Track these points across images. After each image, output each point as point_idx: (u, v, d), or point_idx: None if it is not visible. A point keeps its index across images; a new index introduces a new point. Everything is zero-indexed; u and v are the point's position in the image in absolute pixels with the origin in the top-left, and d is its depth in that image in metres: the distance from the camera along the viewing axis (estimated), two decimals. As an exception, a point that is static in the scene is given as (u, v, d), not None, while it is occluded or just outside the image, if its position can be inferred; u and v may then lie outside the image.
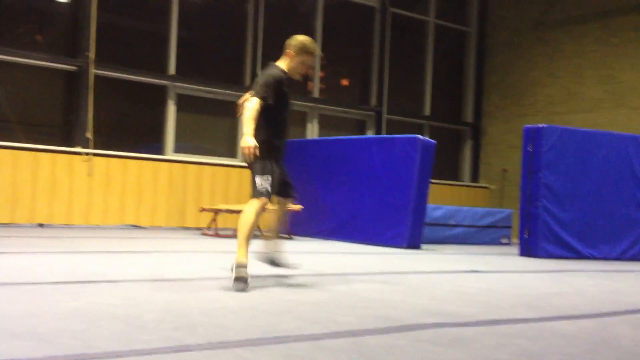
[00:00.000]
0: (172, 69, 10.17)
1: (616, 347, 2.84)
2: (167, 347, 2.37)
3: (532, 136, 7.86)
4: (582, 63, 11.89)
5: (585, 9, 11.86)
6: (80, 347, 2.32)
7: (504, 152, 12.80)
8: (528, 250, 7.79)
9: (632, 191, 8.26)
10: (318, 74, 11.79)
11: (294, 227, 9.14)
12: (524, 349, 2.66)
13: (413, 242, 8.13)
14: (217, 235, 8.40)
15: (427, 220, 8.84)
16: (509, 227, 10.39)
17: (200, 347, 2.40)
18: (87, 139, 9.13)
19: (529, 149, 7.87)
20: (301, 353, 2.40)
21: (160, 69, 10.15)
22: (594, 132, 8.43)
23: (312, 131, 11.67)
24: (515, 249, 8.44)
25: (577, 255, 7.83)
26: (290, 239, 8.65)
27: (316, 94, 11.74)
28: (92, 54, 9.25)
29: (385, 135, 11.18)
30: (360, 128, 12.36)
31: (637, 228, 8.26)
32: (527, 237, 7.81)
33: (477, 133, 13.49)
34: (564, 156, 7.88)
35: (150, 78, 10.03)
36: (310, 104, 11.66)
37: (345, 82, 13.15)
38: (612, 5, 11.48)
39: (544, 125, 7.95)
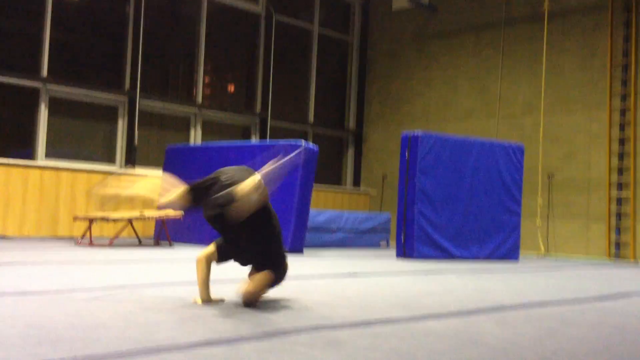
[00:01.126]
0: (44, 70, 9.68)
1: (481, 344, 3.00)
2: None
3: (409, 143, 8.17)
4: (457, 74, 12.50)
5: (460, 24, 12.48)
6: None
7: (385, 158, 13.20)
8: (404, 252, 8.07)
9: (500, 196, 8.77)
10: (202, 78, 11.63)
11: (175, 234, 8.95)
12: (395, 348, 2.75)
13: (295, 247, 8.20)
14: (91, 244, 8.07)
15: (310, 224, 8.94)
16: (388, 230, 10.73)
17: None
18: (-51, 143, 8.50)
19: (406, 155, 8.17)
20: (173, 363, 2.35)
21: (32, 70, 9.63)
22: (466, 139, 8.88)
23: (195, 137, 11.49)
24: (393, 252, 8.72)
25: (450, 256, 8.21)
26: (171, 245, 8.47)
27: (200, 99, 11.58)
28: (-46, 52, 8.63)
29: (269, 141, 11.20)
30: (245, 134, 12.32)
31: (504, 230, 8.79)
32: (403, 240, 8.10)
33: (359, 140, 13.83)
34: (438, 162, 8.25)
35: (22, 79, 9.49)
36: (194, 109, 11.48)
37: (230, 88, 13.07)
38: (484, 19, 12.16)
39: (420, 132, 8.28)
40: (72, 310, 3.36)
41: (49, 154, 9.70)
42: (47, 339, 2.64)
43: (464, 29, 12.43)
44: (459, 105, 12.39)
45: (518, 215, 8.91)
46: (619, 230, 10.34)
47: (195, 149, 10.43)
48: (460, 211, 8.41)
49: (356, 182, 13.78)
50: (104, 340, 2.67)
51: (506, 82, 11.85)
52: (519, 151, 9.02)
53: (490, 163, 8.70)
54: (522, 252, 9.43)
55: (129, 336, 2.78)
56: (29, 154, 9.57)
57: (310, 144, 8.62)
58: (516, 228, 8.88)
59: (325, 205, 11.85)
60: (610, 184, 10.48)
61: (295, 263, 7.43)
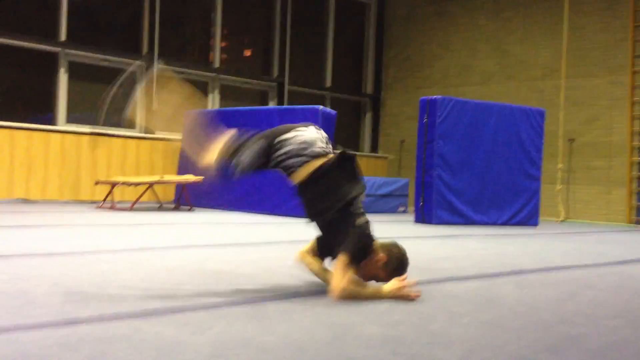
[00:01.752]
0: (63, 35, 9.69)
1: (500, 305, 3.02)
2: (57, 321, 2.30)
3: (428, 107, 8.11)
4: (475, 37, 12.32)
5: (479, -15, 12.25)
6: (-38, 324, 2.21)
7: (402, 123, 13.13)
8: (423, 217, 8.08)
9: (519, 160, 8.71)
10: (219, 43, 11.58)
11: (195, 198, 9.02)
12: (415, 310, 2.78)
13: (314, 212, 8.22)
14: (113, 208, 8.17)
15: (328, 190, 8.96)
16: (406, 195, 10.72)
17: (91, 320, 2.35)
18: (-30, 108, 8.59)
19: (424, 119, 8.12)
20: (198, 321, 2.40)
21: (50, 34, 9.65)
22: (485, 103, 8.79)
23: (213, 102, 11.50)
24: (411, 217, 8.73)
25: (469, 221, 8.21)
26: (191, 210, 8.55)
27: (217, 64, 11.55)
28: (-27, 18, 8.66)
29: (287, 106, 11.18)
30: (263, 99, 12.29)
31: (524, 195, 8.75)
32: (422, 204, 8.10)
33: (376, 104, 13.75)
34: (457, 127, 8.19)
35: (40, 44, 9.52)
36: (211, 74, 11.46)
37: (247, 52, 12.99)
38: (504, -19, 11.92)
39: (439, 96, 8.21)
40: (97, 271, 3.43)
41: (68, 119, 9.77)
42: (73, 298, 2.70)
43: (484, -9, 12.20)
44: (478, 69, 12.24)
45: (538, 180, 8.86)
46: None
47: (213, 114, 10.44)
48: (479, 176, 8.38)
49: (374, 147, 13.75)
50: (129, 299, 2.73)
51: (526, 45, 11.67)
52: (539, 115, 8.92)
53: (510, 127, 8.63)
54: (542, 218, 9.40)
55: (154, 296, 2.84)
56: (50, 118, 9.64)
57: (328, 109, 8.59)
58: (536, 193, 8.83)
59: (343, 170, 11.83)
60: (632, 149, 10.36)
61: (311, 229, 7.46)
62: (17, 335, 2.11)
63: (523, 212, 8.73)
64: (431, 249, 5.42)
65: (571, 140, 10.86)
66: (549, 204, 10.56)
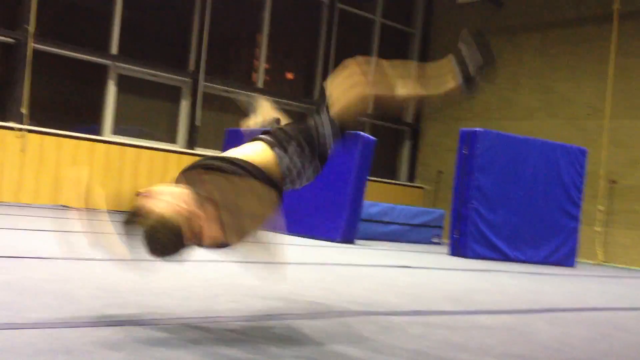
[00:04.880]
0: (114, 48, 9.99)
1: (531, 340, 3.01)
2: (97, 322, 2.38)
3: (468, 139, 8.11)
4: (519, 71, 12.30)
5: (526, 19, 12.26)
6: (9, 317, 2.31)
7: (441, 154, 13.11)
8: (457, 249, 8.03)
9: (559, 199, 8.62)
10: (263, 65, 11.79)
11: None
12: (445, 338, 2.79)
13: (348, 237, 8.26)
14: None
15: (363, 216, 8.99)
16: (441, 227, 10.67)
17: (130, 323, 2.42)
18: (22, 114, 8.88)
19: (463, 151, 8.12)
20: (233, 335, 2.45)
21: (102, 47, 9.95)
22: (526, 139, 8.75)
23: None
24: (445, 249, 8.69)
25: (504, 257, 8.13)
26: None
27: (260, 84, 11.75)
28: (31, 28, 8.99)
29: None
30: (303, 121, 12.43)
31: (562, 235, 8.64)
32: (457, 237, 8.06)
33: (415, 134, 13.77)
34: (496, 160, 8.17)
35: (92, 56, 9.82)
36: (254, 94, 11.65)
37: (290, 75, 13.18)
38: (552, 17, 11.91)
39: (479, 129, 8.21)
40: (138, 277, 3.51)
41: (114, 130, 10.02)
42: (114, 302, 2.79)
43: (530, 26, 12.20)
44: (520, 104, 12.20)
45: (577, 220, 8.75)
46: (680, 242, 10.04)
47: (256, 133, 10.59)
48: (517, 212, 8.31)
49: (411, 176, 13.75)
50: (167, 307, 2.80)
51: (571, 83, 11.60)
52: (581, 154, 8.84)
53: (550, 165, 8.56)
54: (579, 259, 9.25)
55: (190, 305, 2.91)
56: (95, 129, 9.90)
57: (368, 135, 8.65)
58: (574, 233, 8.72)
59: (378, 198, 11.85)
60: (674, 194, 10.17)
61: (346, 252, 7.53)
62: (61, 331, 2.20)
63: (560, 252, 8.62)
64: (465, 281, 5.40)
65: (613, 182, 10.71)
66: (586, 246, 10.39)
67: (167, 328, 2.41)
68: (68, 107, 10.15)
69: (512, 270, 6.87)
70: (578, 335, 3.25)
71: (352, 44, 13.20)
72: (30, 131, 8.92)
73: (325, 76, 12.37)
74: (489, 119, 12.42)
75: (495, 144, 8.15)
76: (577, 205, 8.74)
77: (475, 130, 8.14)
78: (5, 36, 9.07)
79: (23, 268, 3.49)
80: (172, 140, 10.64)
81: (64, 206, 9.12)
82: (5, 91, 9.11)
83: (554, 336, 3.15)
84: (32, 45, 9.01)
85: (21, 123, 8.86)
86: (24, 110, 8.88)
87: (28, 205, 8.69)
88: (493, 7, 12.58)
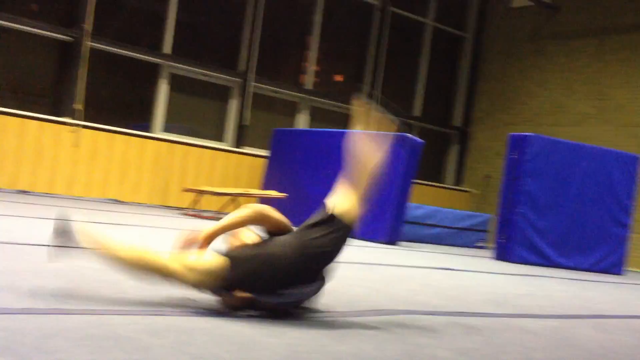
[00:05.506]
0: (167, 48, 10.19)
1: (577, 345, 2.96)
2: (146, 311, 2.45)
3: (518, 144, 7.99)
4: (573, 77, 12.05)
5: (582, 25, 12.01)
6: (59, 303, 2.39)
7: (489, 158, 12.95)
8: (503, 254, 7.93)
9: (609, 206, 8.42)
10: (313, 66, 11.85)
11: (276, 214, 9.20)
12: (488, 340, 2.77)
13: (392, 238, 8.24)
14: (198, 216, 8.46)
15: (408, 218, 8.95)
16: (486, 231, 10.54)
17: (174, 313, 2.48)
18: (76, 110, 9.14)
19: (513, 155, 8.00)
20: (274, 325, 2.49)
21: (155, 47, 10.17)
22: (577, 144, 8.58)
23: (303, 122, 11.74)
24: (490, 253, 8.58)
25: (550, 263, 7.98)
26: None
27: (309, 85, 11.81)
28: (88, 26, 9.25)
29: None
30: (350, 123, 12.43)
31: (611, 242, 8.43)
32: (503, 241, 7.95)
33: (464, 138, 13.63)
34: (546, 166, 8.02)
35: (145, 55, 10.04)
36: (302, 95, 11.73)
37: (338, 77, 13.21)
38: (609, 23, 11.64)
39: (530, 133, 8.08)
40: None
41: (164, 128, 10.23)
42: (159, 293, 2.85)
43: (586, 32, 11.94)
44: (573, 110, 11.95)
45: (627, 228, 8.53)
46: None
47: (300, 133, 10.67)
48: (565, 218, 8.15)
49: (458, 180, 13.61)
50: (209, 299, 2.85)
51: (626, 89, 11.30)
52: (633, 161, 8.62)
53: (601, 172, 8.37)
54: (627, 268, 9.01)
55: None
56: (146, 127, 10.12)
57: (415, 137, 8.60)
58: (624, 241, 8.50)
59: (424, 200, 11.77)
60: None
61: (390, 253, 7.51)
62: (111, 318, 2.27)
63: (608, 259, 8.41)
64: (510, 285, 5.33)
65: (667, 191, 10.38)
66: (636, 254, 10.11)
67: (208, 318, 2.45)
68: (120, 105, 10.41)
69: (558, 275, 6.75)
70: (624, 342, 3.18)
71: (402, 47, 13.16)
72: (83, 127, 9.18)
73: (374, 78, 12.37)
74: (539, 124, 12.20)
75: (545, 149, 8.02)
76: (627, 213, 8.52)
77: (526, 135, 8.02)
78: (62, 34, 9.35)
79: (71, 256, 3.59)
80: (220, 138, 10.79)
81: (114, 200, 9.34)
82: (60, 87, 9.40)
83: (599, 342, 3.09)
84: (88, 43, 9.28)
85: (75, 119, 9.12)
86: (78, 107, 9.14)
87: (79, 198, 8.94)
88: (548, 12, 12.36)
